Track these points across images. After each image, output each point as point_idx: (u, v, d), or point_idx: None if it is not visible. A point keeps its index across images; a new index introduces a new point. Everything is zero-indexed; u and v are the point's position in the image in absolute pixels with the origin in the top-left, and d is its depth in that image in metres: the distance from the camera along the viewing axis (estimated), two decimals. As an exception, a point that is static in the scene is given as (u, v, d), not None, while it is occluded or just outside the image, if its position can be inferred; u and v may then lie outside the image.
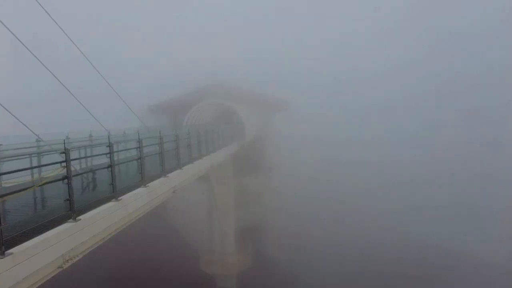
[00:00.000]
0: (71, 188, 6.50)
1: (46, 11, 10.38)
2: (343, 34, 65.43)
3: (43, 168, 7.32)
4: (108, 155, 8.36)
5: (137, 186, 9.71)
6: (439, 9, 62.71)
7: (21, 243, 5.22)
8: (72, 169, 6.73)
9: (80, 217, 6.66)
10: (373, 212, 43.43)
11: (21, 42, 9.10)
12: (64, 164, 6.46)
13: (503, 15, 55.32)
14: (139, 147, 9.93)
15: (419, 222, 41.70)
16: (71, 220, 6.43)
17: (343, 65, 63.59)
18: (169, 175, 11.75)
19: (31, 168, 7.56)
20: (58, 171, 6.42)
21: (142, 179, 9.97)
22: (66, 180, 6.48)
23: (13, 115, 8.17)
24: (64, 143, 6.67)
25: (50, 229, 5.90)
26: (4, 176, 7.14)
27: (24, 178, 6.57)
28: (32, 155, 8.79)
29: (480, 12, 57.39)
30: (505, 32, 56.72)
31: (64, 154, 6.51)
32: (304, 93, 56.74)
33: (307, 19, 69.61)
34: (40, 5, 10.18)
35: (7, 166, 8.17)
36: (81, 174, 8.36)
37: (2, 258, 4.69)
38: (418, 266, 36.19)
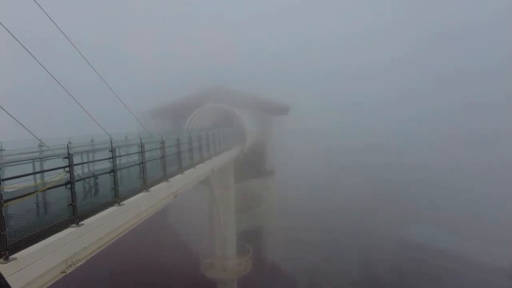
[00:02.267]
0: (74, 193, 6.51)
1: (46, 14, 10.43)
2: (343, 34, 65.68)
3: (46, 173, 7.33)
4: (110, 160, 8.38)
5: (139, 190, 9.71)
6: (437, 7, 62.96)
7: (25, 248, 5.24)
8: (75, 174, 6.74)
9: (83, 222, 6.67)
10: (374, 215, 43.32)
11: (23, 46, 9.15)
12: (67, 169, 6.48)
13: (503, 12, 55.32)
14: (141, 152, 9.95)
15: (420, 224, 41.58)
16: (74, 225, 6.44)
17: (344, 67, 63.73)
18: (170, 179, 11.76)
19: (34, 173, 7.57)
20: (61, 176, 6.43)
21: (144, 184, 9.98)
22: (69, 185, 6.50)
23: (16, 119, 8.20)
24: (68, 148, 6.69)
25: (53, 234, 5.92)
26: (7, 181, 7.15)
27: (27, 183, 6.58)
28: (35, 160, 8.80)
29: (478, 9, 57.51)
30: (503, 29, 56.75)
31: (67, 159, 6.53)
32: (305, 95, 56.88)
33: (307, 21, 69.91)
34: (40, 6, 10.23)
35: (10, 171, 8.18)
36: (84, 179, 8.37)
37: (5, 263, 4.70)
38: (419, 267, 36.06)
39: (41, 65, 9.43)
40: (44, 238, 5.70)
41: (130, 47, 62.56)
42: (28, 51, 9.11)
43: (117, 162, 8.76)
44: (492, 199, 42.47)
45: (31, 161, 8.62)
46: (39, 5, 10.19)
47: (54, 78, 9.81)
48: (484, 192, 43.68)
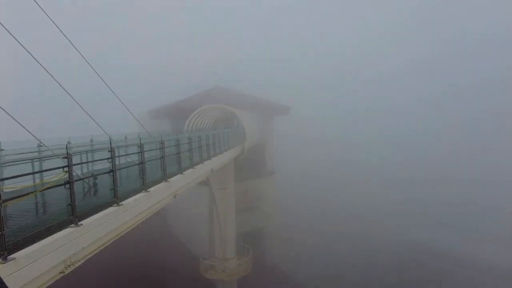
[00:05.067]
0: (73, 193, 6.50)
1: (46, 14, 10.46)
2: (345, 37, 65.56)
3: (45, 173, 7.34)
4: (110, 160, 8.38)
5: (138, 191, 9.71)
6: (442, 13, 62.58)
7: (23, 248, 5.23)
8: (74, 174, 6.74)
9: (82, 222, 6.66)
10: (374, 217, 43.25)
11: (22, 46, 9.16)
12: (66, 169, 6.48)
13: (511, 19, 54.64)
14: (141, 152, 9.94)
15: (420, 226, 41.45)
16: (73, 225, 6.44)
17: (344, 69, 63.64)
18: (170, 180, 11.74)
19: (33, 173, 7.57)
20: (60, 176, 6.43)
21: (143, 184, 9.98)
22: (68, 185, 6.49)
23: (15, 119, 8.21)
24: (67, 148, 6.70)
25: (52, 234, 5.92)
26: (6, 181, 7.15)
27: (26, 183, 6.59)
28: (34, 160, 8.80)
29: (487, 16, 56.87)
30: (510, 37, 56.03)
31: (66, 159, 6.53)
32: (305, 96, 56.84)
33: (309, 22, 69.81)
34: (41, 7, 10.26)
35: (9, 171, 8.19)
36: (83, 179, 8.37)
37: (4, 263, 4.69)
38: (419, 270, 35.93)
39: (41, 65, 9.44)
40: (43, 238, 5.69)
41: (130, 48, 62.63)
42: (28, 52, 9.13)
43: (117, 162, 8.76)
44: (495, 201, 42.30)
45: (30, 161, 8.62)
46: (39, 6, 10.22)
47: (53, 78, 9.83)
48: (487, 193, 43.48)
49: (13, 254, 4.94)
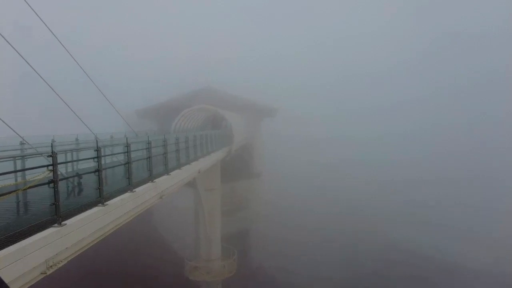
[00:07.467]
0: (57, 192, 6.39)
1: (33, 9, 10.26)
2: (339, 36, 65.90)
3: (29, 172, 7.19)
4: (95, 160, 8.26)
5: (124, 191, 9.61)
6: (437, 11, 63.17)
7: (3, 248, 5.11)
8: (58, 173, 6.62)
9: (66, 222, 6.55)
10: (363, 218, 43.62)
11: (7, 41, 8.96)
12: (50, 167, 6.36)
13: (506, 17, 55.33)
14: (127, 152, 9.84)
15: (413, 228, 41.85)
16: (56, 225, 6.32)
17: (338, 68, 63.99)
18: (156, 180, 11.66)
19: (15, 171, 7.40)
20: (44, 174, 6.31)
21: (129, 184, 9.88)
22: (52, 184, 6.38)
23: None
24: (52, 146, 6.58)
25: (33, 234, 5.80)
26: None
27: (7, 181, 6.44)
28: (17, 158, 8.60)
29: (482, 14, 57.50)
30: (507, 35, 56.78)
31: (50, 158, 6.42)
32: (294, 98, 57.09)
33: (301, 21, 70.09)
34: (27, 3, 10.06)
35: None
36: (67, 178, 8.23)
37: (-17, 264, 4.59)
38: (413, 271, 36.33)
39: (26, 62, 9.26)
40: (24, 238, 5.58)
41: (119, 47, 61.80)
42: (13, 47, 8.94)
43: (102, 162, 8.65)
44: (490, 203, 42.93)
45: (13, 159, 8.42)
46: (27, 2, 10.01)
47: (39, 75, 9.64)
48: (486, 193, 43.94)
49: (-7, 254, 4.84)
